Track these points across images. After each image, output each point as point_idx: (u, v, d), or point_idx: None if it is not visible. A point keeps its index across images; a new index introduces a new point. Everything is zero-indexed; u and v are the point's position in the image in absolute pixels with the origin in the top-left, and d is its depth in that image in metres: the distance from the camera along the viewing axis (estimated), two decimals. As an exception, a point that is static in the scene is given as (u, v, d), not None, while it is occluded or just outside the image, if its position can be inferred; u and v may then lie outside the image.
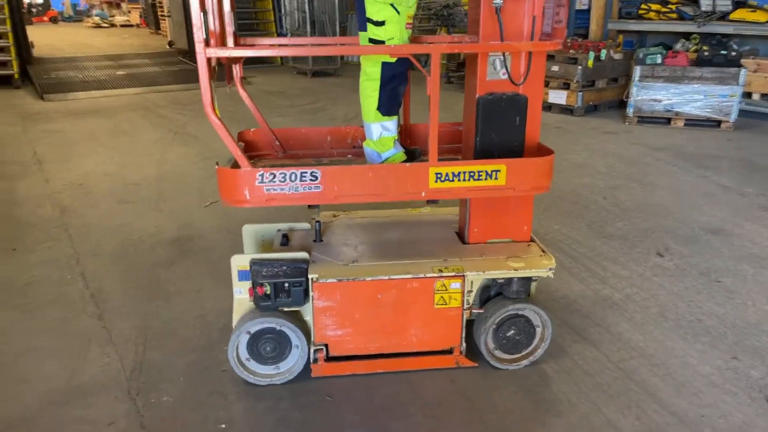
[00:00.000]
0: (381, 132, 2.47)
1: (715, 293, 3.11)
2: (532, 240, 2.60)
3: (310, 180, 2.16)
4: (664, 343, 2.68)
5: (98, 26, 28.30)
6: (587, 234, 3.90)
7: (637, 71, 6.98)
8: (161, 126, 7.52)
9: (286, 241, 2.60)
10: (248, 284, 2.36)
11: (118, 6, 32.43)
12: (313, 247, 2.56)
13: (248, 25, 14.99)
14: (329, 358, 2.42)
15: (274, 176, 2.14)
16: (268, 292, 2.28)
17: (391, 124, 2.48)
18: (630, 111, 7.11)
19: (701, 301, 3.03)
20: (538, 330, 2.46)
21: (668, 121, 7.00)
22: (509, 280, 2.36)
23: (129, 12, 29.76)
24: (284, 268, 2.31)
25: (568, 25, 9.02)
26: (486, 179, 2.22)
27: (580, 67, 7.38)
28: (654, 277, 3.31)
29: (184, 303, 3.11)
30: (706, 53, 6.81)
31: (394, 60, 2.34)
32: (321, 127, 2.88)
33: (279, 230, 2.75)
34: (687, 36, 7.96)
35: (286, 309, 2.36)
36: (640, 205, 4.40)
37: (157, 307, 3.07)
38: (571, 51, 7.64)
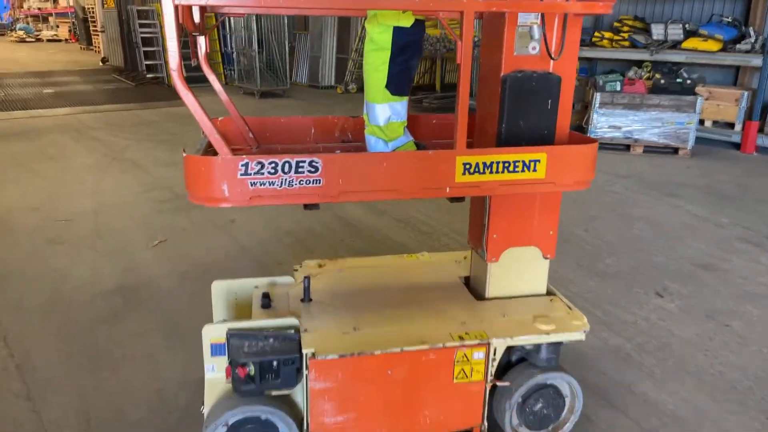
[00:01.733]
0: (389, 115, 2.03)
1: (728, 340, 2.90)
2: (550, 292, 2.28)
3: (309, 171, 1.71)
4: (694, 403, 2.42)
5: (23, 41, 26.57)
6: (578, 272, 3.65)
7: (597, 98, 6.97)
8: (95, 150, 6.82)
9: (267, 302, 2.16)
10: (224, 361, 1.91)
11: (45, 20, 30.65)
12: (301, 309, 2.13)
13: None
14: (325, 447, 1.98)
15: (262, 166, 1.68)
16: (251, 374, 1.83)
17: (401, 105, 2.05)
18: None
19: (716, 350, 2.81)
20: (567, 400, 2.13)
21: (627, 147, 7.01)
22: (538, 346, 2.02)
23: (57, 26, 28.16)
24: (271, 341, 1.87)
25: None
26: (523, 171, 1.86)
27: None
28: (660, 321, 3.08)
29: (133, 373, 2.59)
30: (662, 81, 6.89)
31: (409, 23, 1.91)
32: (303, 116, 2.43)
33: (257, 287, 2.30)
34: (638, 63, 8.10)
35: (273, 393, 1.91)
36: (624, 239, 4.22)
37: (101, 380, 2.53)
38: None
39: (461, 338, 1.95)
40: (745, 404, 2.42)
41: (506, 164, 1.85)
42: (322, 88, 13.29)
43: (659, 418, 2.32)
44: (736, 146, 7.17)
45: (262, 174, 1.70)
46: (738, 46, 7.03)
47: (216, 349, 1.94)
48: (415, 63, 2.04)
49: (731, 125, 7.22)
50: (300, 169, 1.71)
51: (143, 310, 3.13)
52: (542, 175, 1.89)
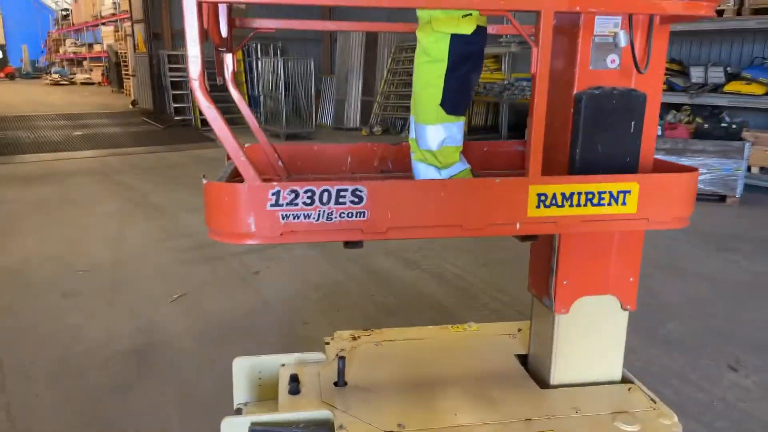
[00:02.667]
0: (444, 138, 1.74)
1: (824, 427, 2.50)
2: (626, 379, 1.95)
3: (352, 202, 1.43)
4: None
5: (57, 83, 27.49)
6: (638, 338, 3.28)
7: (636, 143, 6.66)
8: (119, 195, 6.72)
9: (296, 386, 1.87)
10: (246, 461, 1.61)
11: (80, 64, 31.79)
12: (335, 396, 1.83)
13: (217, 86, 14.53)
14: None
15: (296, 195, 1.40)
16: (278, 483, 1.53)
17: (457, 127, 1.76)
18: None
19: (813, 441, 2.42)
20: None
21: (669, 194, 6.65)
22: (619, 450, 1.68)
23: (91, 70, 29.14)
24: (301, 440, 1.58)
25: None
26: (609, 204, 1.56)
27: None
28: (739, 402, 2.69)
29: (144, 456, 2.30)
30: (705, 126, 6.58)
31: (470, 30, 1.64)
32: (337, 144, 2.17)
33: (283, 365, 2.01)
34: (676, 107, 7.81)
35: (303, 504, 1.60)
36: (682, 299, 3.85)
37: (107, 464, 2.25)
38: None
39: (529, 442, 1.62)
40: None
41: (589, 196, 1.54)
42: (347, 129, 13.27)
43: None
44: (786, 194, 6.77)
45: (296, 205, 1.42)
46: (784, 89, 6.71)
47: (237, 447, 1.65)
48: (476, 77, 1.77)
49: (779, 172, 6.84)
50: (341, 199, 1.43)
51: (158, 378, 2.86)
52: (633, 209, 1.57)
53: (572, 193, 1.53)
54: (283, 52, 14.63)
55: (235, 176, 1.85)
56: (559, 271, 1.81)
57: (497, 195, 1.51)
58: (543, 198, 1.52)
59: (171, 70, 13.27)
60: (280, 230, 1.43)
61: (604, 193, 1.55)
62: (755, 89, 6.77)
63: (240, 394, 2.04)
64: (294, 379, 1.88)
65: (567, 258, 1.80)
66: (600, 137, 1.66)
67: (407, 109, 12.07)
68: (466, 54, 1.67)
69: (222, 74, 2.00)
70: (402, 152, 2.11)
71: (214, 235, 1.50)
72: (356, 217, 1.45)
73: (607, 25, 1.63)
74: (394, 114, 12.54)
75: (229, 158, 1.93)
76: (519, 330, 2.29)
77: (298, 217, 1.43)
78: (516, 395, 1.85)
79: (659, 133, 6.71)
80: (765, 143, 6.86)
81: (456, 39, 1.64)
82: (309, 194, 1.42)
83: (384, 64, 12.82)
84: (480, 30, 1.67)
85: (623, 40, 1.56)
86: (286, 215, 1.42)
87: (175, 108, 13.33)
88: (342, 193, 1.43)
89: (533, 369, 2.01)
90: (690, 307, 3.74)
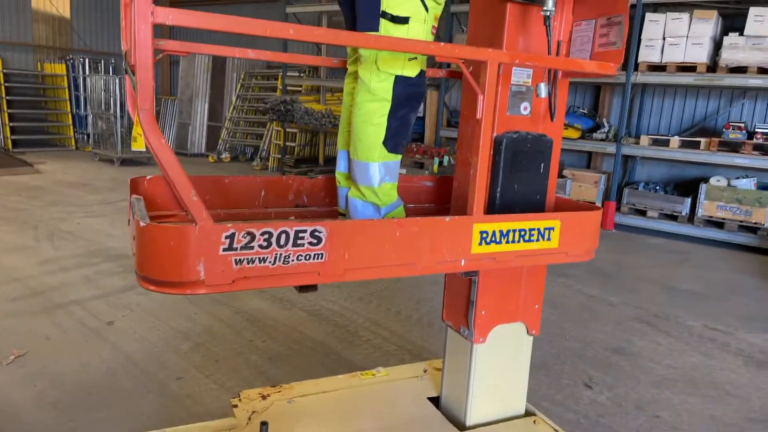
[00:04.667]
0: (384, 176, 1.78)
1: (665, 433, 2.94)
2: (529, 412, 2.10)
3: (309, 244, 1.38)
4: None
5: None
6: (508, 366, 3.56)
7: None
8: None
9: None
10: None
11: None
12: (262, 469, 1.70)
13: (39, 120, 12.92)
14: None
15: (252, 237, 1.31)
16: None
17: (395, 165, 1.82)
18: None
19: (660, 446, 2.82)
20: None
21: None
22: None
23: None
24: None
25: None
26: (538, 240, 1.70)
27: (426, 172, 7.52)
28: (600, 418, 3.05)
29: None
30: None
31: (414, 74, 1.71)
32: (251, 176, 2.06)
33: (193, 438, 1.82)
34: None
35: None
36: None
37: None
38: (417, 156, 7.80)
39: (464, 492, 1.66)
40: None
41: (522, 233, 1.68)
42: (191, 155, 12.55)
43: None
44: (598, 223, 7.91)
45: (252, 248, 1.33)
46: (594, 134, 7.91)
47: None
48: (414, 117, 1.84)
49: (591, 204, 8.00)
50: (299, 241, 1.38)
51: (3, 463, 2.38)
52: (555, 244, 1.76)
53: (509, 230, 1.66)
54: (117, 70, 13.45)
55: (155, 216, 1.68)
56: (479, 301, 1.92)
57: (446, 233, 1.58)
58: (485, 235, 1.63)
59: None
60: (232, 277, 1.32)
61: (534, 230, 1.71)
62: (572, 134, 7.87)
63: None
64: (212, 455, 1.71)
65: (486, 289, 1.92)
66: (517, 176, 1.84)
67: (257, 136, 11.82)
68: (409, 95, 1.74)
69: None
70: (317, 186, 2.08)
71: (147, 284, 1.32)
72: (314, 259, 1.40)
73: (521, 76, 1.81)
74: (243, 141, 12.18)
75: (132, 193, 1.74)
76: (425, 371, 2.35)
77: (253, 262, 1.34)
78: (439, 442, 1.89)
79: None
80: (581, 180, 7.99)
81: (400, 80, 1.70)
82: (266, 236, 1.34)
83: (233, 90, 12.44)
84: (422, 73, 1.76)
85: (544, 92, 1.75)
86: (239, 260, 1.33)
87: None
88: (301, 235, 1.37)
89: (448, 411, 2.08)
90: (543, 330, 4.16)
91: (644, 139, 7.46)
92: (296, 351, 3.56)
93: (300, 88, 11.59)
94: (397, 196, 1.87)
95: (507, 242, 1.67)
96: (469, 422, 1.97)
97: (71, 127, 12.80)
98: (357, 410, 2.06)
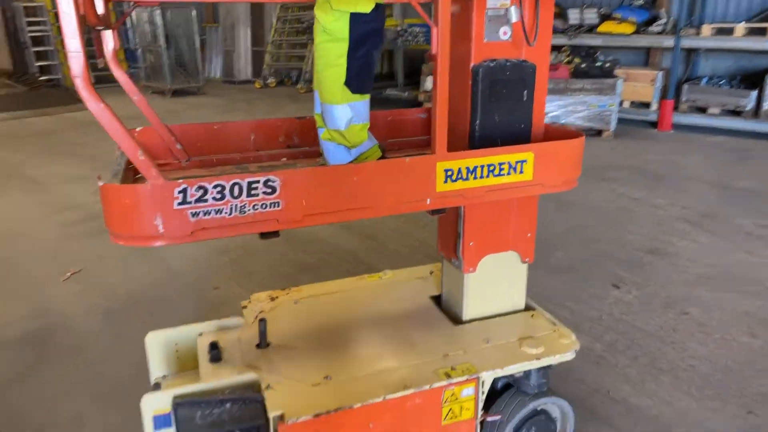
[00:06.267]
0: (350, 117, 1.74)
1: (692, 329, 2.89)
2: (529, 307, 2.12)
3: (264, 193, 1.42)
4: (675, 405, 2.35)
5: None
6: (531, 269, 3.54)
7: (523, 84, 6.98)
8: (-14, 168, 6.03)
9: (217, 353, 1.84)
10: (172, 435, 1.59)
11: None
12: (260, 358, 1.83)
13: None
14: None
15: (205, 191, 1.37)
16: (210, 451, 1.52)
17: (363, 105, 1.77)
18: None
19: (683, 342, 2.78)
20: (558, 423, 1.98)
21: (555, 132, 7.10)
22: (527, 372, 1.85)
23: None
24: (229, 406, 1.57)
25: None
26: (509, 174, 1.68)
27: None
28: (623, 315, 3.03)
29: (58, 444, 2.18)
30: (582, 65, 7.01)
31: (369, 8, 1.64)
32: (239, 120, 2.08)
33: (201, 334, 1.97)
34: (557, 48, 8.23)
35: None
36: (567, 228, 4.19)
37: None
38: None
39: (448, 375, 1.73)
40: (724, 400, 2.38)
41: (491, 167, 1.65)
42: (238, 83, 12.69)
43: (646, 424, 2.23)
44: (653, 125, 7.46)
45: (206, 201, 1.38)
46: (650, 28, 7.28)
47: (161, 422, 1.62)
48: (378, 54, 1.77)
49: (647, 105, 7.49)
50: (253, 192, 1.41)
51: (61, 362, 2.69)
52: (530, 176, 1.71)
53: (476, 167, 1.63)
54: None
55: (131, 167, 1.74)
56: (466, 235, 1.91)
57: (407, 174, 1.56)
58: (450, 173, 1.60)
59: (30, 24, 11.80)
60: (190, 228, 1.38)
61: (504, 164, 1.67)
62: (625, 28, 7.29)
63: (156, 368, 1.98)
64: (214, 347, 1.86)
65: (472, 223, 1.91)
66: (496, 107, 1.77)
67: (300, 58, 11.71)
68: (366, 32, 1.66)
69: (103, 54, 1.81)
70: (307, 126, 2.07)
71: (117, 239, 1.42)
72: (270, 207, 1.44)
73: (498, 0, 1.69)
74: (287, 64, 12.13)
75: (119, 149, 1.79)
76: (431, 272, 2.40)
77: (209, 213, 1.39)
78: (434, 335, 1.95)
79: (544, 73, 7.07)
80: (635, 79, 7.46)
81: (356, 18, 1.63)
82: (219, 189, 1.38)
83: (273, 11, 12.25)
84: (378, 7, 1.67)
85: (515, 16, 1.64)
86: (195, 213, 1.38)
87: (40, 67, 11.95)
88: (254, 185, 1.40)
89: (447, 307, 2.13)
90: (574, 235, 4.09)
91: (706, 29, 6.81)
92: (326, 262, 3.71)
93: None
94: (368, 136, 1.83)
95: (475, 178, 1.63)
96: (465, 317, 2.01)
97: (125, 62, 13.16)
98: (358, 308, 2.14)
